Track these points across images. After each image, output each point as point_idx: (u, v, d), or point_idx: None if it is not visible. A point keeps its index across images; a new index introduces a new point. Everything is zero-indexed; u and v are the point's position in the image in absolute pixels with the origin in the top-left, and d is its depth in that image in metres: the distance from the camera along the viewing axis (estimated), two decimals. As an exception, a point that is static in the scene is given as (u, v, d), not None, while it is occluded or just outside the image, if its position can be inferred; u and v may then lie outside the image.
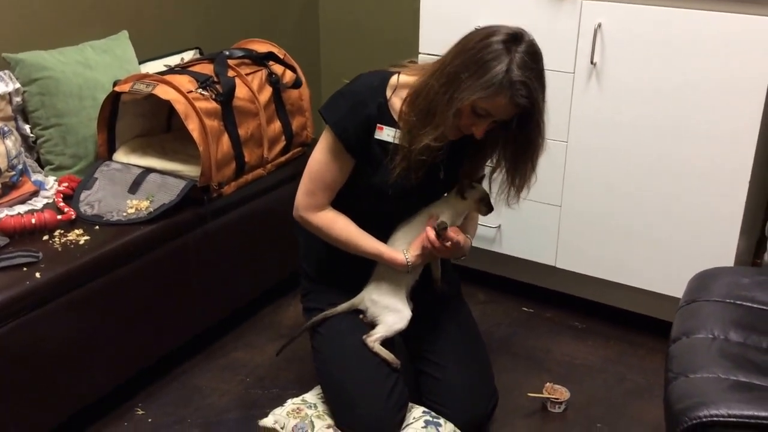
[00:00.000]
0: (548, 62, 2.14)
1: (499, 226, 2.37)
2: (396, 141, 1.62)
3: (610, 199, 2.19)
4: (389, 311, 1.73)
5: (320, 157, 1.68)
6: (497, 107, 1.51)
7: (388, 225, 1.75)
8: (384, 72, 1.68)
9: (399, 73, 1.66)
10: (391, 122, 1.64)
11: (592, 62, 2.09)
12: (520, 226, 2.31)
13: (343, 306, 1.77)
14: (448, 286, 1.83)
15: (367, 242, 1.71)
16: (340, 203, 1.74)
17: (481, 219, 2.44)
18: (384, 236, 1.75)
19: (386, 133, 1.63)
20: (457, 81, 1.50)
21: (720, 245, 2.05)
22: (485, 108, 1.51)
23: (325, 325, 1.78)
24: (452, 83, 1.50)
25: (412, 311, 1.76)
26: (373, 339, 1.72)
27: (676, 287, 1.95)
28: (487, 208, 1.74)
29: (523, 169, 1.63)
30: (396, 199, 1.68)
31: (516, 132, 1.57)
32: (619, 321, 2.35)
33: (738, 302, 1.61)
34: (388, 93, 1.65)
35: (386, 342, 1.74)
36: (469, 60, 1.49)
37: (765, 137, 2.05)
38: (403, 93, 1.63)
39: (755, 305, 1.60)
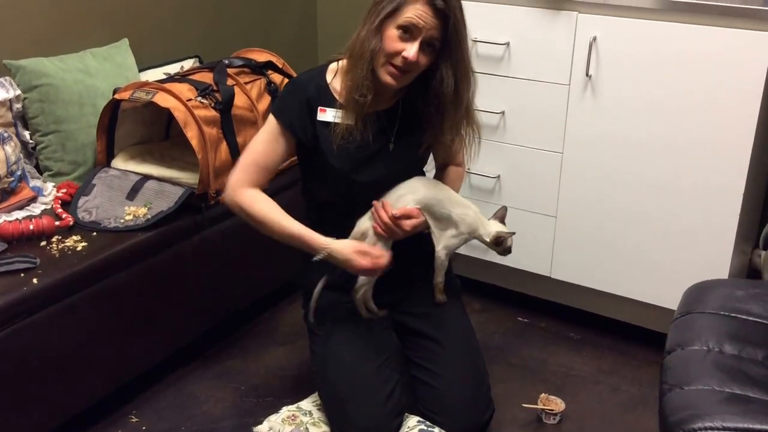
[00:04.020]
0: (544, 74, 2.19)
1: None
2: (338, 120, 1.66)
3: (606, 210, 2.20)
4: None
5: (258, 136, 1.73)
6: (417, 14, 1.54)
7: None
8: (326, 63, 1.74)
9: (339, 60, 1.71)
10: (333, 104, 1.68)
11: (587, 75, 2.11)
12: (516, 236, 2.31)
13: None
14: (446, 298, 1.83)
15: (289, 223, 1.67)
16: (314, 202, 1.78)
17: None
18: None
19: (330, 114, 1.67)
20: (374, 9, 1.59)
21: (714, 257, 2.06)
22: (407, 21, 1.54)
23: (325, 328, 1.78)
24: (371, 14, 1.59)
25: (413, 315, 1.77)
26: (361, 293, 1.74)
27: (671, 299, 1.96)
28: (500, 245, 1.76)
29: (464, 99, 1.67)
30: (356, 172, 1.69)
31: (448, 53, 1.60)
32: (614, 332, 2.35)
33: (733, 314, 1.62)
34: (329, 77, 1.70)
35: (390, 342, 1.77)
36: None
37: (759, 150, 2.07)
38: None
39: (750, 318, 1.61)
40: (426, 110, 1.68)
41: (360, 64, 1.60)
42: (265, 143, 1.71)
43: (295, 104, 1.68)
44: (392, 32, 1.57)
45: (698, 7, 1.95)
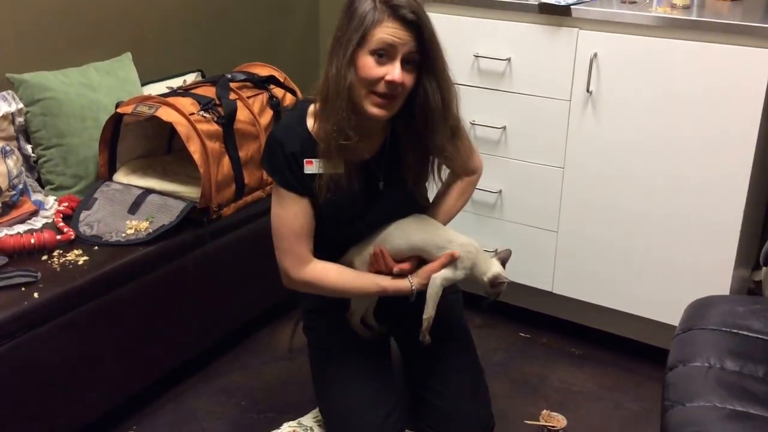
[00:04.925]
0: (545, 89, 2.20)
1: (495, 251, 2.38)
2: (322, 171, 1.54)
3: (607, 226, 2.20)
4: None
5: (278, 211, 1.60)
6: (389, 33, 1.44)
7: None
8: (302, 104, 1.63)
9: (315, 100, 1.57)
10: (318, 154, 1.56)
11: (588, 91, 2.12)
12: (517, 252, 2.31)
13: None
14: (430, 341, 1.70)
15: (367, 280, 1.64)
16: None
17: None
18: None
19: (315, 166, 1.55)
20: (340, 42, 1.49)
21: (716, 273, 2.06)
22: (381, 43, 1.44)
23: (325, 344, 1.78)
24: (338, 48, 1.49)
25: (413, 332, 1.75)
26: (357, 316, 1.72)
27: (672, 315, 1.96)
28: (495, 288, 1.67)
29: (451, 109, 1.57)
30: (349, 222, 1.63)
31: (429, 66, 1.50)
32: (616, 348, 2.34)
33: (734, 331, 1.62)
34: (309, 123, 1.57)
35: (389, 359, 1.75)
36: (342, 22, 1.50)
37: (759, 167, 2.08)
38: None
39: (751, 334, 1.61)
40: (413, 134, 1.57)
41: (338, 105, 1.47)
42: (287, 213, 1.59)
43: (282, 161, 1.56)
44: (367, 60, 1.45)
45: (698, 24, 1.96)
